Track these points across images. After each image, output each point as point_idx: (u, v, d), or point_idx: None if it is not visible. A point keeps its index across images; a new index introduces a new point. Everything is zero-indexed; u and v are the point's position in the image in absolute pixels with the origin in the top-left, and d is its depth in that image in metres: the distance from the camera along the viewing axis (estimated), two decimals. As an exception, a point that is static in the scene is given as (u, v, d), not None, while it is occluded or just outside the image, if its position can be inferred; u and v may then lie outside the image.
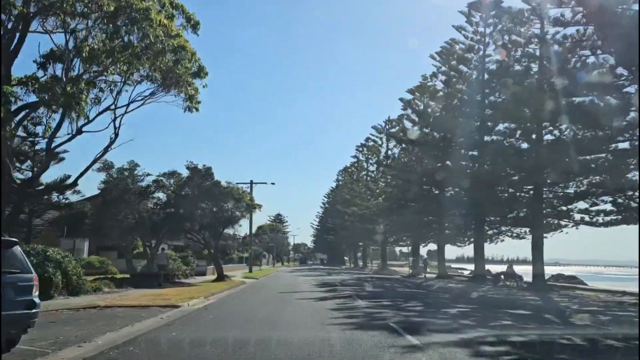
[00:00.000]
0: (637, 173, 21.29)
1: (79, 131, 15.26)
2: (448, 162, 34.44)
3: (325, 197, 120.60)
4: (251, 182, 47.31)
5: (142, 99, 16.79)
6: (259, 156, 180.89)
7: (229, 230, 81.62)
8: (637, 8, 19.03)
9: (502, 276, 29.88)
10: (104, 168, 25.44)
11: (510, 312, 14.81)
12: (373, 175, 71.64)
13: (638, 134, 19.76)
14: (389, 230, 57.59)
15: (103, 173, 25.53)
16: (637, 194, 21.94)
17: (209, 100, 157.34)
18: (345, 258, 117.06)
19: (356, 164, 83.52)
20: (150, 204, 27.48)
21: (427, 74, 41.94)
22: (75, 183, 17.77)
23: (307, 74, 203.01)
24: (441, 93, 39.13)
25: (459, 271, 63.73)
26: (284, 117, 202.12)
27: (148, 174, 24.92)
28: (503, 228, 37.41)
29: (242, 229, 62.75)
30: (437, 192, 40.29)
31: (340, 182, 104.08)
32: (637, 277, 23.97)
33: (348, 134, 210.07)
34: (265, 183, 48.10)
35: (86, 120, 14.92)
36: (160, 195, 28.13)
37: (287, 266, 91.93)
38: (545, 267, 30.85)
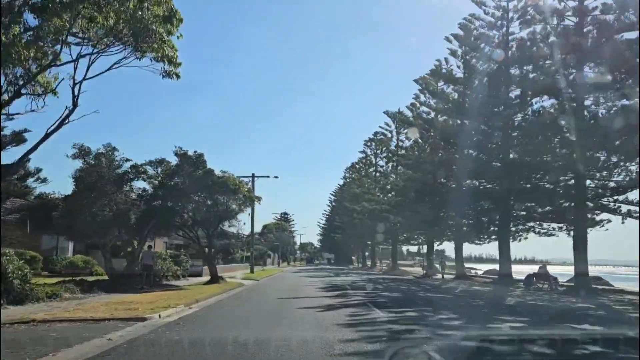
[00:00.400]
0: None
1: (18, 93, 11.88)
2: (471, 151, 30.78)
3: (332, 194, 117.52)
4: (253, 176, 44.03)
5: (97, 54, 13.28)
6: (262, 156, 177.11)
7: (233, 229, 78.49)
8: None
9: (534, 277, 26.23)
10: (80, 154, 22.08)
11: (581, 328, 11.23)
12: (383, 170, 68.08)
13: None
14: (400, 228, 54.03)
15: (79, 160, 22.23)
16: None
17: (212, 98, 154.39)
18: (353, 258, 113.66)
19: (364, 160, 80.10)
20: (134, 195, 24.10)
21: (441, 58, 38.76)
22: (22, 164, 14.43)
23: (308, 74, 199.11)
24: (459, 75, 35.63)
25: (472, 271, 60.08)
26: (286, 116, 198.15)
27: (127, 160, 21.42)
28: (530, 224, 33.85)
29: (247, 227, 59.32)
30: (454, 184, 36.67)
31: (347, 180, 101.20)
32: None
33: (352, 133, 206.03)
34: (268, 176, 44.70)
35: (27, 78, 11.54)
36: (146, 186, 24.81)
37: (293, 266, 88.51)
38: (558, 268, 27.51)
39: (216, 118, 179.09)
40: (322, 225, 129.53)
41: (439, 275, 42.95)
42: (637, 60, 18.50)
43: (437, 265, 46.00)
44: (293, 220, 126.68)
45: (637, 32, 17.81)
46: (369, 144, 78.49)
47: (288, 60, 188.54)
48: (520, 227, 32.83)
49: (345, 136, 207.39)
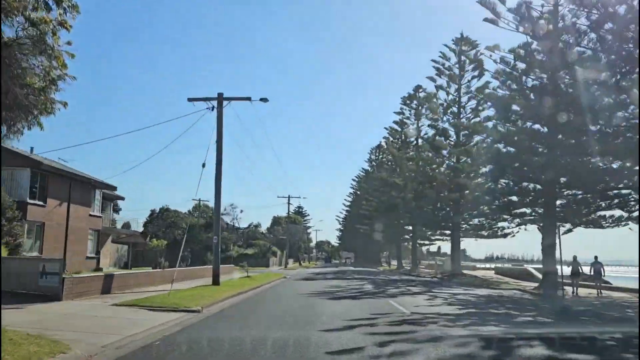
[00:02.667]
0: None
1: None
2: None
3: (354, 179, 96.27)
4: (219, 96, 22.56)
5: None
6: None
7: (227, 217, 56.61)
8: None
9: None
10: None
11: None
12: (438, 125, 45.65)
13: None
14: (484, 200, 31.95)
15: None
16: None
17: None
18: (383, 256, 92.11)
19: (401, 122, 58.97)
20: None
21: None
22: None
23: (319, 70, 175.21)
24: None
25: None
26: (296, 114, 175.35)
27: None
28: None
29: (245, 216, 38.97)
30: None
31: (373, 162, 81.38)
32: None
33: (361, 140, 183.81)
34: (249, 98, 22.72)
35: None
36: None
37: (306, 267, 66.70)
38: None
39: (233, 115, 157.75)
40: (342, 220, 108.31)
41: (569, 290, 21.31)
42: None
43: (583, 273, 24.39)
44: (308, 216, 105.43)
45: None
46: (408, 101, 57.74)
47: (302, 56, 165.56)
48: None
49: (357, 143, 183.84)
